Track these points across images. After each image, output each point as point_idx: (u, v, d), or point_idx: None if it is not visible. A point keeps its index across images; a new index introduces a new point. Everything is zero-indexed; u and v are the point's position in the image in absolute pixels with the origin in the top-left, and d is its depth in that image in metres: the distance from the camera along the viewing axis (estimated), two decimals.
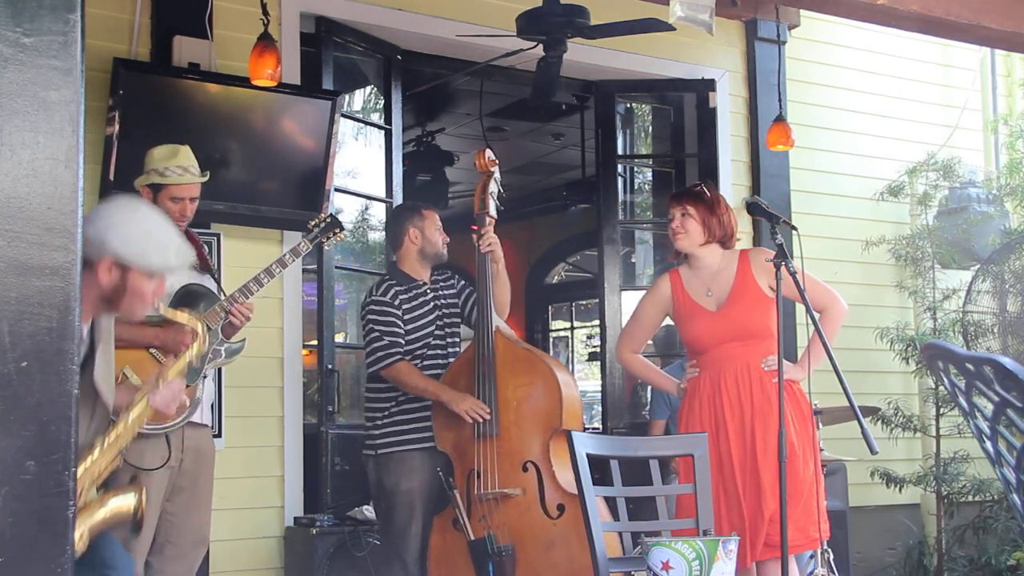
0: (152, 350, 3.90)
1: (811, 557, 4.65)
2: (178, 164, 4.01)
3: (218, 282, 4.19)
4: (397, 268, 4.72)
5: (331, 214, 4.47)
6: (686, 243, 4.18)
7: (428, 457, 4.56)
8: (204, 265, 4.16)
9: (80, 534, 2.83)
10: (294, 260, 4.27)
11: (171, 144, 4.08)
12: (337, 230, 4.37)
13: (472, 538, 4.37)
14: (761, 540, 3.91)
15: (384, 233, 6.10)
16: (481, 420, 4.41)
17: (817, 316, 3.83)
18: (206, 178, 4.09)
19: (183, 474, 4.01)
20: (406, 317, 4.58)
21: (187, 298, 4.01)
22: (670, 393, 4.55)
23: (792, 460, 3.81)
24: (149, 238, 2.90)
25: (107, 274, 2.83)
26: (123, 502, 2.97)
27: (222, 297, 4.10)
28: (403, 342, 4.55)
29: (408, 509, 4.51)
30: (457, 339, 4.79)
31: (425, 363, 4.60)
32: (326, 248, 4.57)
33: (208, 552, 4.54)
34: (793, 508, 3.79)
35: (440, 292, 4.72)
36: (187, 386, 3.90)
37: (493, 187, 4.65)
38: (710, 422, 4.02)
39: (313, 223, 4.40)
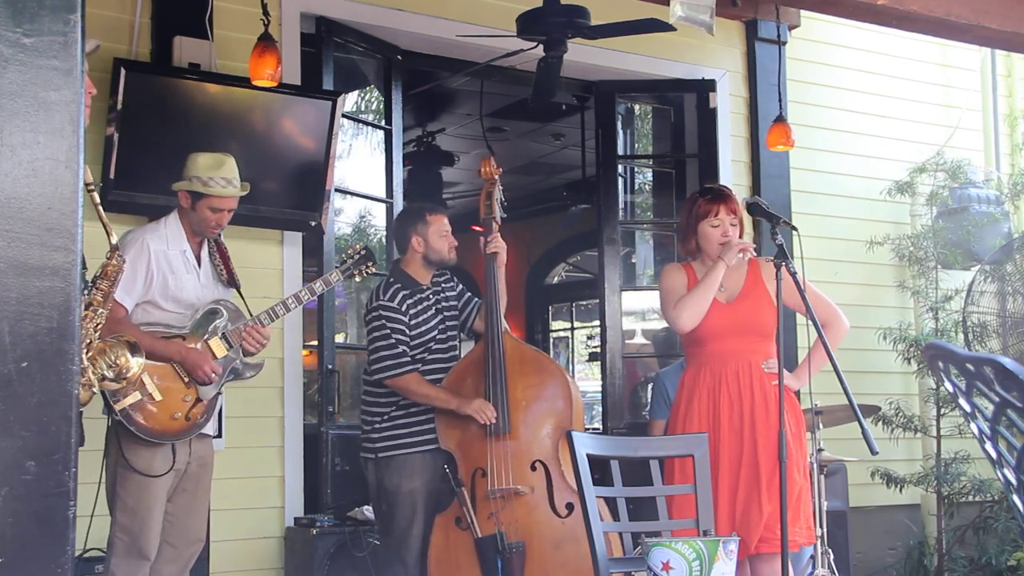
0: (175, 364, 3.94)
1: (811, 557, 4.64)
2: (222, 176, 4.04)
3: (243, 296, 4.22)
4: (400, 269, 4.71)
5: (365, 246, 4.49)
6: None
7: (429, 458, 4.56)
8: (231, 280, 4.18)
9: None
10: (324, 289, 4.35)
11: (216, 153, 4.10)
12: (370, 263, 4.42)
13: (480, 535, 4.38)
14: (756, 536, 3.91)
15: (384, 234, 6.12)
16: (489, 422, 4.42)
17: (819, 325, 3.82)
18: (246, 191, 4.13)
19: (187, 477, 4.05)
20: (411, 322, 4.57)
21: (211, 315, 4.05)
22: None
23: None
24: None
25: None
26: (124, 357, 3.07)
27: (247, 315, 4.13)
28: (410, 350, 4.56)
29: (410, 510, 4.51)
30: (457, 341, 4.80)
31: (427, 367, 4.60)
32: (356, 280, 4.61)
33: (208, 552, 4.55)
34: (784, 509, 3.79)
35: (442, 295, 4.72)
36: (200, 402, 3.95)
37: (498, 193, 4.71)
38: (708, 416, 4.03)
39: (346, 254, 4.45)
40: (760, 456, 3.94)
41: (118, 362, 3.33)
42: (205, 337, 4.01)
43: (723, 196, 4.21)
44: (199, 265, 4.10)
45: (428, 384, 4.54)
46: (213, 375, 3.97)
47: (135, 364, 3.41)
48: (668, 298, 4.22)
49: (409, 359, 4.54)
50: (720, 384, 4.05)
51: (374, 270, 4.46)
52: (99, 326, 3.17)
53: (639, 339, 8.51)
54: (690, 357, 4.23)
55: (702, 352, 4.14)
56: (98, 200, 3.10)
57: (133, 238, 3.95)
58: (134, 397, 3.80)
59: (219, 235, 4.17)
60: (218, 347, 4.02)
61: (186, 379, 3.94)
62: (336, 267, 4.41)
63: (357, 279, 4.52)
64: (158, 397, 3.86)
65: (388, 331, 4.53)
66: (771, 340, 4.04)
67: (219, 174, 4.03)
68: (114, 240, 3.27)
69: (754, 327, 4.07)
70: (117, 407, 3.77)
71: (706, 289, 4.09)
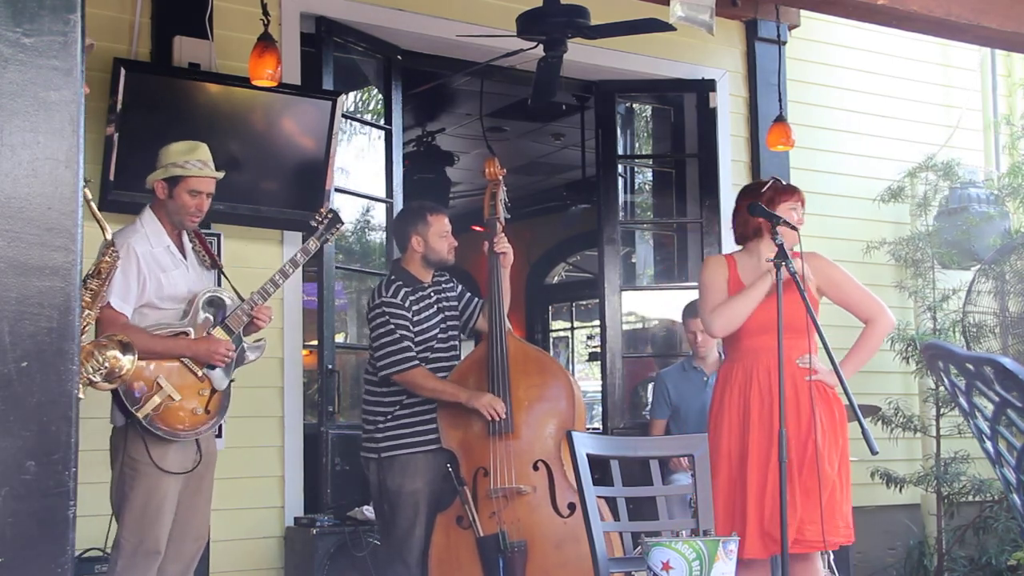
0: (185, 359, 3.94)
1: None
2: (198, 158, 4.05)
3: (227, 277, 4.21)
4: (402, 267, 4.71)
5: (331, 209, 4.49)
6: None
7: (432, 458, 4.56)
8: (213, 263, 4.19)
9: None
10: (306, 259, 4.30)
11: (189, 140, 4.10)
12: (339, 225, 4.39)
13: (482, 534, 4.38)
14: (791, 535, 3.87)
15: (384, 233, 6.12)
16: (498, 418, 4.42)
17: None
18: (222, 175, 4.13)
19: (193, 474, 4.04)
20: (415, 319, 4.57)
21: (209, 305, 4.05)
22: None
23: (817, 460, 3.85)
24: None
25: None
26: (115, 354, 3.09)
27: (238, 298, 4.13)
28: (415, 346, 4.55)
29: (413, 511, 4.51)
30: (457, 341, 4.80)
31: (429, 367, 4.58)
32: (329, 243, 4.60)
33: (208, 552, 4.55)
34: (816, 507, 3.81)
35: (443, 294, 4.72)
36: (216, 392, 3.96)
37: (502, 194, 4.73)
38: (739, 412, 4.03)
39: (316, 221, 4.40)
40: (791, 453, 3.93)
41: (107, 364, 3.33)
42: (209, 329, 4.02)
43: (796, 188, 4.30)
44: (185, 257, 4.09)
45: (435, 378, 4.54)
46: (229, 353, 3.99)
47: (127, 362, 3.41)
48: (706, 296, 4.22)
49: (414, 354, 4.53)
50: (751, 380, 4.05)
51: (343, 229, 4.45)
52: (86, 327, 3.17)
53: (639, 339, 8.51)
54: (726, 352, 4.26)
55: (736, 348, 4.16)
56: (91, 196, 3.09)
57: (117, 244, 3.94)
58: (154, 402, 3.82)
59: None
60: (221, 336, 4.03)
61: (198, 373, 3.95)
62: (311, 236, 4.34)
63: (330, 242, 4.55)
64: (177, 397, 3.88)
65: (392, 327, 4.52)
66: (805, 336, 4.03)
67: (194, 157, 4.03)
68: (109, 235, 3.26)
69: (788, 323, 4.04)
70: (140, 414, 3.79)
71: (747, 301, 4.10)
